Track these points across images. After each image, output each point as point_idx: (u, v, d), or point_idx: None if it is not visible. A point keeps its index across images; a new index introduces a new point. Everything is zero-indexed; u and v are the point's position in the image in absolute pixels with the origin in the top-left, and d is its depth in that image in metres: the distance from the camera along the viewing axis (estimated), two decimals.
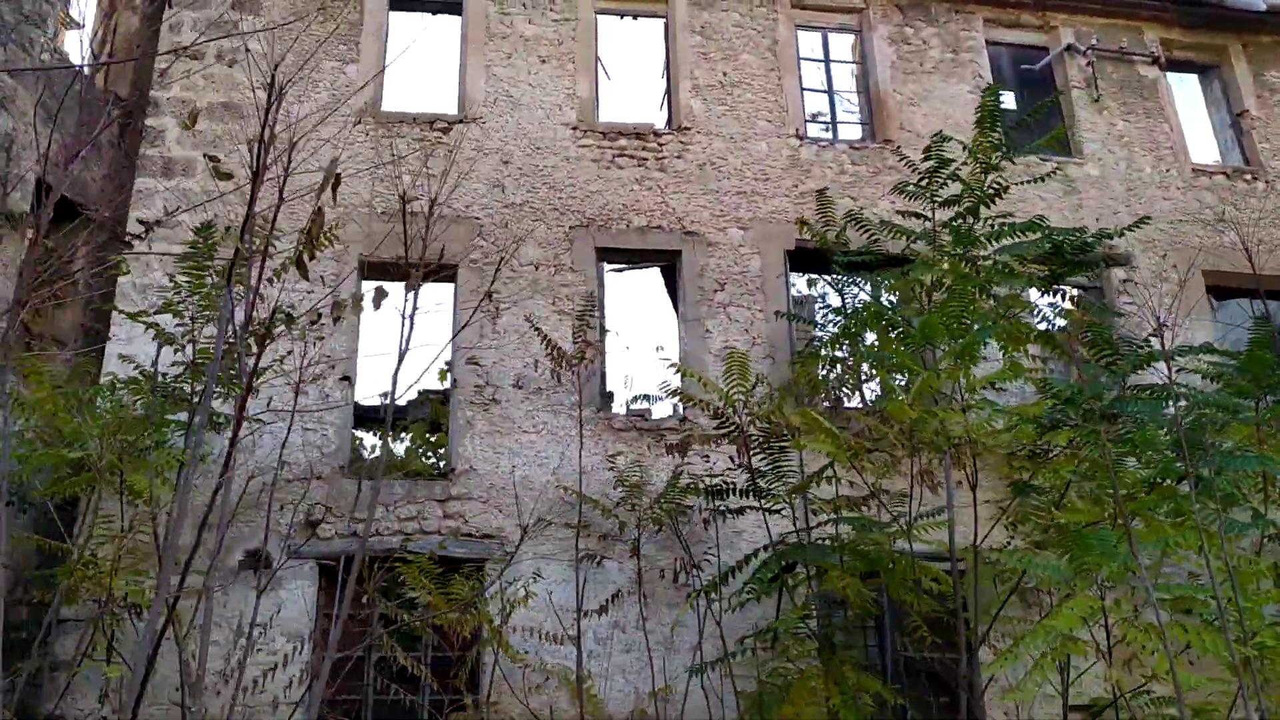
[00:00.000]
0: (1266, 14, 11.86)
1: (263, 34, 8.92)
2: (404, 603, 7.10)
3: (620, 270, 10.00)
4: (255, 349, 4.66)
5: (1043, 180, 9.11)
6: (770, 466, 7.56)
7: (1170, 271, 10.23)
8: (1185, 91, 11.96)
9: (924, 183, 8.34)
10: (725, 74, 10.64)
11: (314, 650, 7.69)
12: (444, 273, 8.71)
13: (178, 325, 6.98)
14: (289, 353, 6.81)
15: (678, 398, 8.11)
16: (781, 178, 10.18)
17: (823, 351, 8.46)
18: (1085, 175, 10.80)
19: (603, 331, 9.42)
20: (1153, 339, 6.38)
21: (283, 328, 5.37)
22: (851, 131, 11.01)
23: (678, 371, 8.12)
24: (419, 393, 10.30)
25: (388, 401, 6.19)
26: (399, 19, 10.64)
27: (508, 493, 8.42)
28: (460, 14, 10.60)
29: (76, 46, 12.95)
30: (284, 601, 7.77)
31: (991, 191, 8.12)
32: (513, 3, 10.57)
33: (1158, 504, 5.84)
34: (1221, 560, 5.10)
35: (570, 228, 9.62)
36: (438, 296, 8.80)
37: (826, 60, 11.33)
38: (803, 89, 10.91)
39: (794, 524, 7.68)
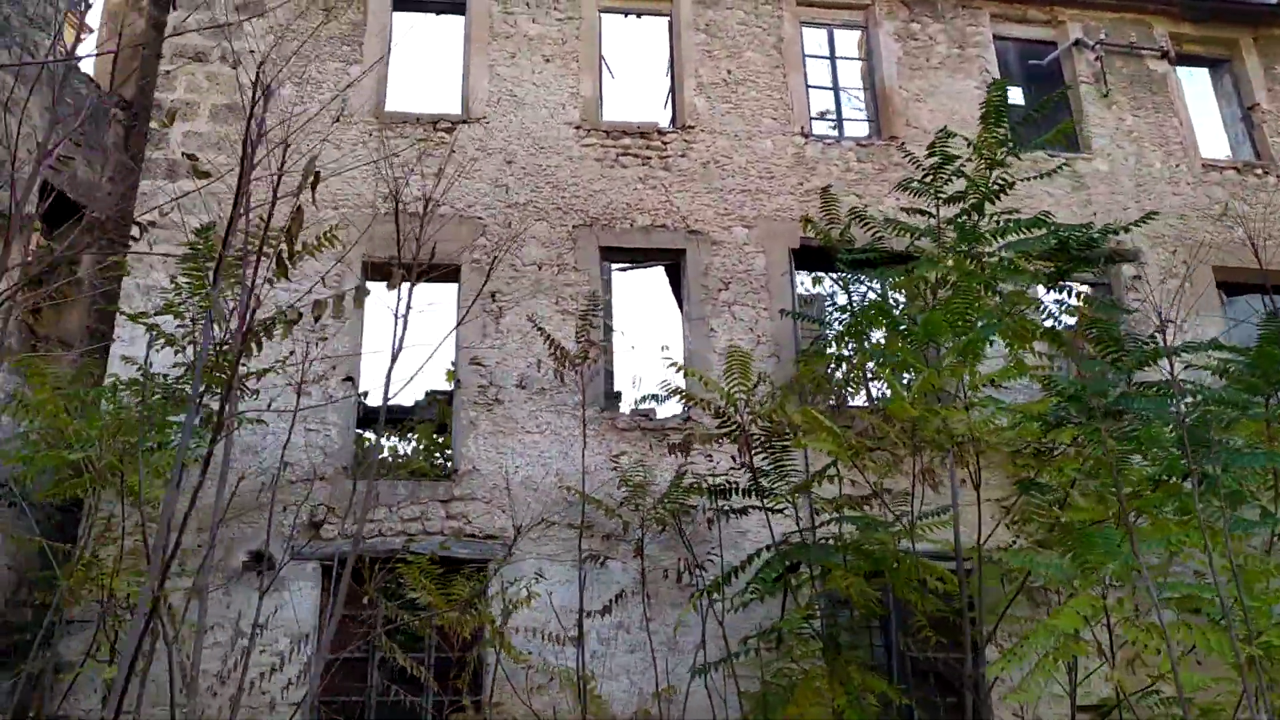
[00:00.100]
0: (1278, 7, 11.73)
1: (265, 36, 8.93)
2: (406, 604, 7.08)
3: (625, 269, 9.96)
4: (241, 349, 4.63)
5: (1050, 176, 9.01)
6: (773, 466, 7.51)
7: (1179, 267, 10.12)
8: (1195, 86, 11.84)
9: (929, 179, 8.27)
10: (730, 72, 10.60)
11: (316, 651, 7.69)
12: (447, 273, 8.71)
13: (179, 326, 6.99)
14: (290, 353, 6.81)
15: (680, 397, 8.06)
16: (786, 175, 10.13)
17: (828, 350, 8.41)
18: (1094, 171, 10.70)
19: (608, 331, 9.39)
20: (1158, 335, 6.29)
21: (278, 329, 5.35)
22: (857, 128, 10.94)
23: (680, 371, 8.08)
24: (426, 393, 10.30)
25: (388, 402, 6.15)
26: (402, 19, 10.63)
27: (511, 493, 8.40)
28: (464, 14, 10.59)
29: (82, 50, 12.99)
30: (287, 602, 7.76)
31: (996, 188, 8.04)
32: (516, 2, 10.55)
33: (1162, 502, 5.77)
34: (1226, 558, 5.03)
35: (574, 227, 9.59)
36: (438, 297, 8.78)
37: (832, 57, 11.25)
38: (808, 86, 10.85)
39: (797, 523, 7.63)
